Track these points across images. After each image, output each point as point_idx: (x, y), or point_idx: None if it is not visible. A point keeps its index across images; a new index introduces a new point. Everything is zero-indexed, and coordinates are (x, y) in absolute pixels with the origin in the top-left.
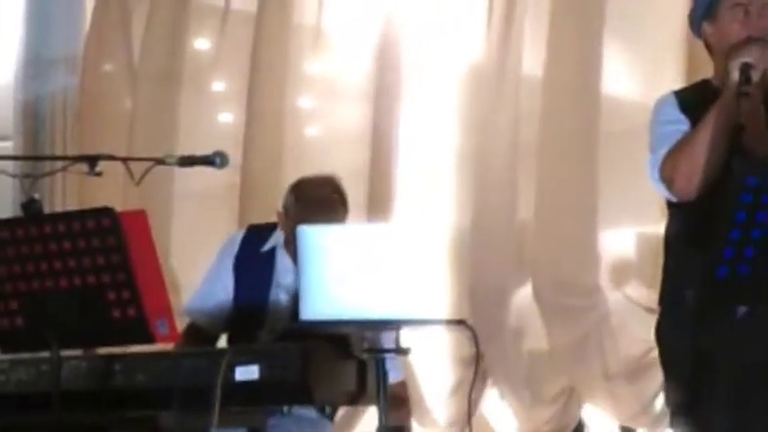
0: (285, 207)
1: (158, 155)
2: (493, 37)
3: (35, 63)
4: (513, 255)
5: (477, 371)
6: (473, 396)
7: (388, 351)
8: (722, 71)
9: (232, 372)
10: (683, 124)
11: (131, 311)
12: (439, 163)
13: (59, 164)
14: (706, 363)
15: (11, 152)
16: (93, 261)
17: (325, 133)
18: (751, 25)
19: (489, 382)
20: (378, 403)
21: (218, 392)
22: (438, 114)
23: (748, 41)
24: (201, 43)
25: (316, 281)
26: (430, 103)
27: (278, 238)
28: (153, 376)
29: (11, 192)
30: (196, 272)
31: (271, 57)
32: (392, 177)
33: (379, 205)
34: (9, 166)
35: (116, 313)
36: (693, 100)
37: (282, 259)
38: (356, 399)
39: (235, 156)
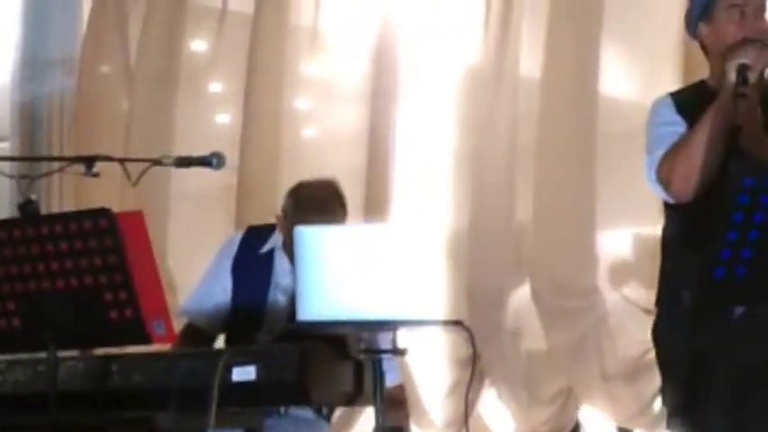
0: (284, 210)
1: (155, 156)
2: (490, 38)
3: (32, 64)
4: (511, 256)
5: (473, 371)
6: (470, 397)
7: (385, 352)
8: (718, 72)
9: (229, 372)
10: (680, 126)
11: (128, 312)
12: (436, 164)
13: (56, 165)
14: (703, 364)
15: (8, 153)
16: (90, 262)
17: (322, 134)
18: (747, 26)
19: (487, 382)
20: (375, 404)
21: (216, 393)
22: (435, 116)
23: (744, 42)
24: (198, 44)
25: (313, 282)
26: (427, 105)
27: (276, 239)
28: (150, 377)
29: (8, 193)
30: (193, 272)
31: (268, 58)
32: (389, 178)
33: (376, 206)
34: (6, 166)
35: (113, 314)
36: (690, 101)
37: (281, 261)
38: (353, 399)
39: (232, 157)
